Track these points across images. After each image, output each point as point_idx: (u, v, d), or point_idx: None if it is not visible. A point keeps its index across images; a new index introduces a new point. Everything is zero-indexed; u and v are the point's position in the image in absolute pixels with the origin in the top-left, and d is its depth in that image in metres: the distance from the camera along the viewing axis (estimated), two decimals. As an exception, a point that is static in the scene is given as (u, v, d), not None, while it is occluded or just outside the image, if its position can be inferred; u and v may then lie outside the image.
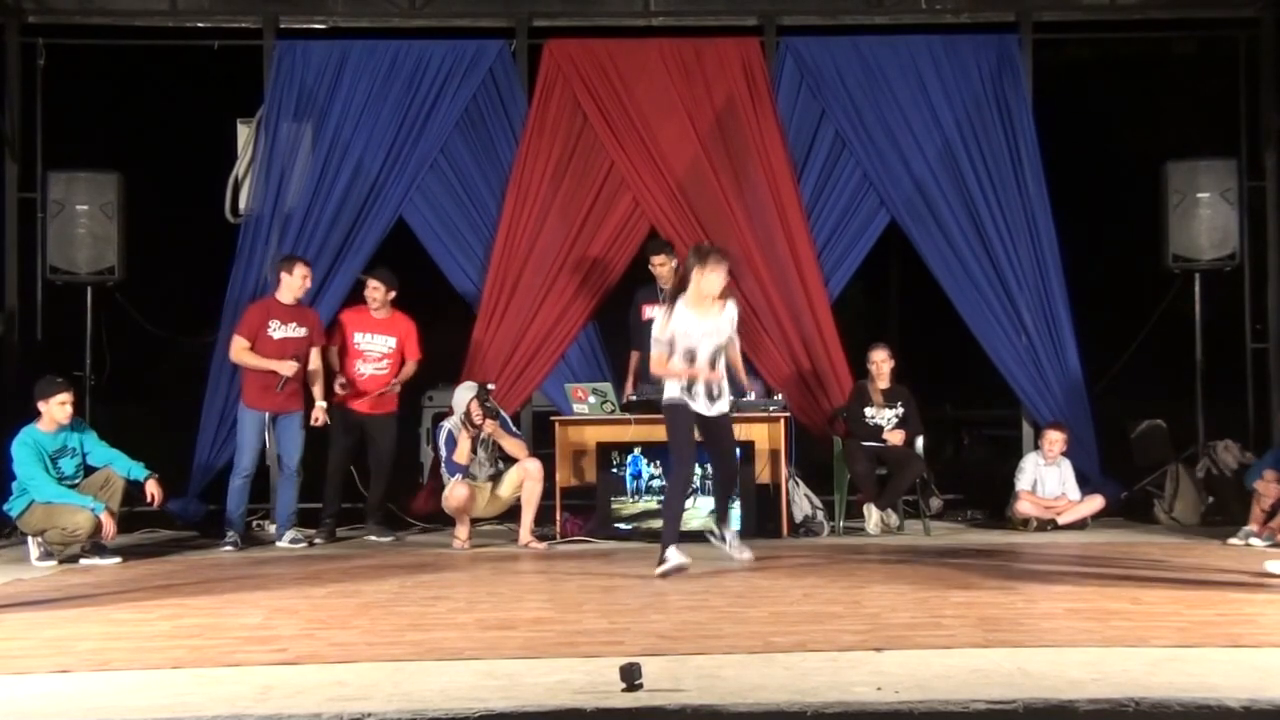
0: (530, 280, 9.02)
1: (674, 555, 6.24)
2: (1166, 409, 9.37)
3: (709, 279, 6.44)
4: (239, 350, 7.94)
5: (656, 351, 6.51)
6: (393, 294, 8.32)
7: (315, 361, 8.07)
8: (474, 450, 7.66)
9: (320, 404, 8.04)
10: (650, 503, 7.81)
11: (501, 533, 8.18)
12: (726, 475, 6.86)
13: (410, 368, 8.38)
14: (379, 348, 8.30)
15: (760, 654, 4.27)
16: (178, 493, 8.40)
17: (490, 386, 7.83)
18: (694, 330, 6.45)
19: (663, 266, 8.53)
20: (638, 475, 7.90)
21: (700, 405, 6.50)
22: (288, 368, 7.84)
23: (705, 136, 9.13)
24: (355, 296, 8.61)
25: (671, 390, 6.51)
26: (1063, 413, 8.91)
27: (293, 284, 8.01)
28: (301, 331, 8.01)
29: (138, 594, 5.89)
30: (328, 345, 8.22)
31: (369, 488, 8.43)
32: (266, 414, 7.91)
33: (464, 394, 7.74)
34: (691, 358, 6.46)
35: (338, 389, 8.14)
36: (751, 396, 7.91)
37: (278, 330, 7.94)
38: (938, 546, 7.55)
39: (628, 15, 9.58)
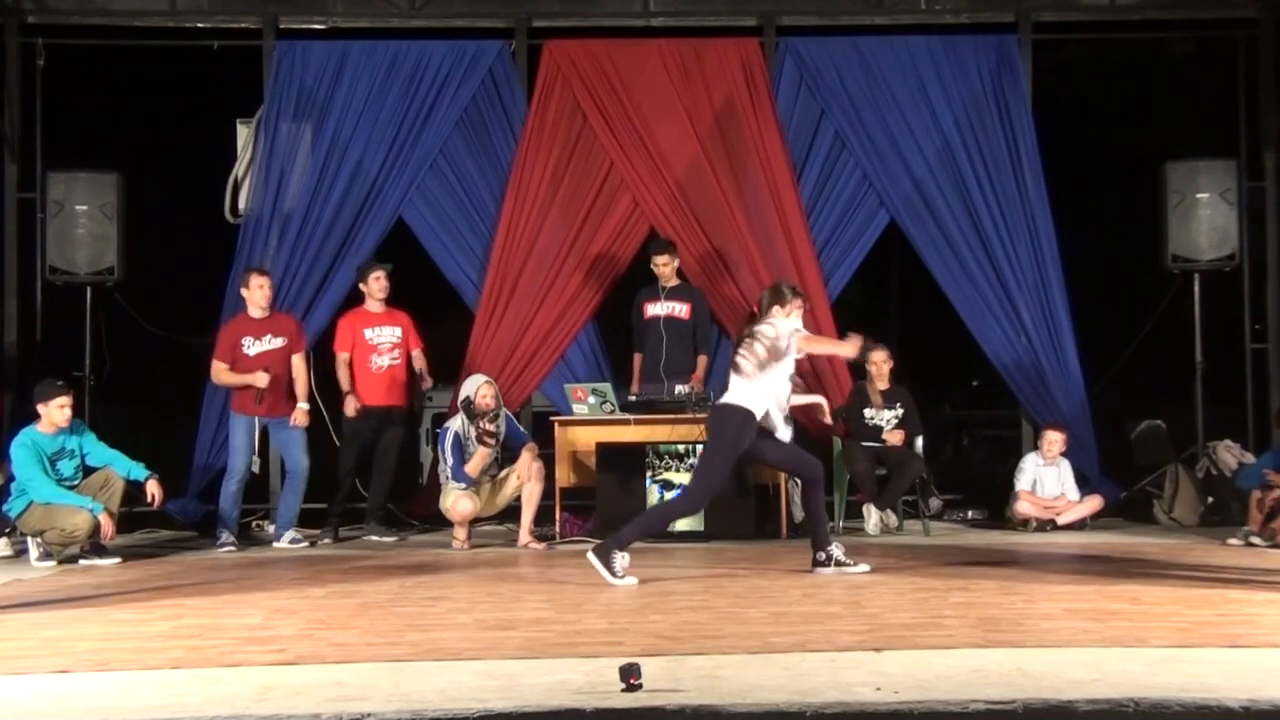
0: (530, 280, 9.02)
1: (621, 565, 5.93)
2: (1166, 409, 9.37)
3: (794, 319, 6.47)
4: (218, 373, 7.99)
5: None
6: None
7: (297, 366, 8.03)
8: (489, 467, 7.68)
9: (302, 405, 7.99)
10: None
11: (501, 533, 8.18)
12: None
13: (420, 358, 8.36)
14: (388, 338, 8.29)
15: (760, 654, 4.26)
16: (177, 493, 8.40)
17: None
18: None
19: (665, 266, 8.55)
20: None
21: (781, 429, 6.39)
22: (260, 379, 7.82)
23: (705, 137, 9.13)
24: (354, 296, 8.61)
25: (756, 405, 6.26)
26: (1062, 413, 8.90)
27: (251, 296, 8.00)
28: (279, 342, 7.98)
29: (137, 594, 5.89)
30: (336, 353, 8.23)
31: (369, 487, 8.41)
32: (256, 419, 7.92)
33: (472, 384, 7.74)
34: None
35: (351, 411, 8.16)
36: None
37: (252, 346, 7.93)
38: (938, 546, 7.55)
39: (627, 15, 9.59)
